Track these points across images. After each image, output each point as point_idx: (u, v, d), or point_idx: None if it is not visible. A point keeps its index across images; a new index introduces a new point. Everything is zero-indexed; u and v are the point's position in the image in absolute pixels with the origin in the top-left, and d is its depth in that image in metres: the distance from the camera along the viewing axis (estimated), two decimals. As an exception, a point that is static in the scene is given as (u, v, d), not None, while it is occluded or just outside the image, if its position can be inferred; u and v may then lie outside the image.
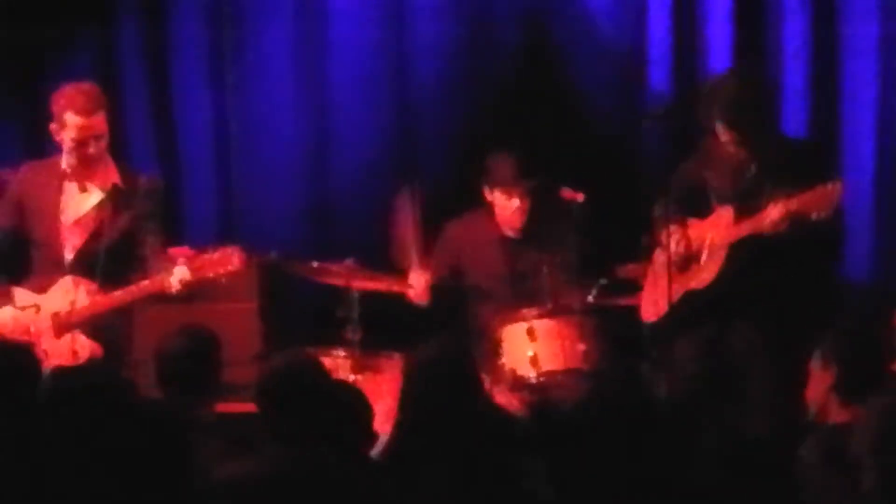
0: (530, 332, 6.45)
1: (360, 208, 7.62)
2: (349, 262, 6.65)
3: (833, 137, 7.31)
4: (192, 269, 5.91)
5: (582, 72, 7.62)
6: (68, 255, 6.04)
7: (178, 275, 5.90)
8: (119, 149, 7.68)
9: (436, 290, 6.74)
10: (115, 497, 3.90)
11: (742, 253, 6.10)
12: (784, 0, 7.35)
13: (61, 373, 5.05)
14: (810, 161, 6.18)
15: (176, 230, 7.62)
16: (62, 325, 5.99)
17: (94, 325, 6.00)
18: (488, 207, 6.82)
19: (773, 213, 5.95)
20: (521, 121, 7.47)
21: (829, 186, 5.86)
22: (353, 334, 6.65)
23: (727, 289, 6.13)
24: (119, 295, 5.96)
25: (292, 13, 7.84)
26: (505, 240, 6.82)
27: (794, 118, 7.26)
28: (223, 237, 7.51)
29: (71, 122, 5.98)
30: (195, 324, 5.55)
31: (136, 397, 4.83)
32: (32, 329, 5.97)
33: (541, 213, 6.76)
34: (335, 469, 4.41)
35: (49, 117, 6.08)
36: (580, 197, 6.62)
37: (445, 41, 7.72)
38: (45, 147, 7.66)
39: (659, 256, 6.37)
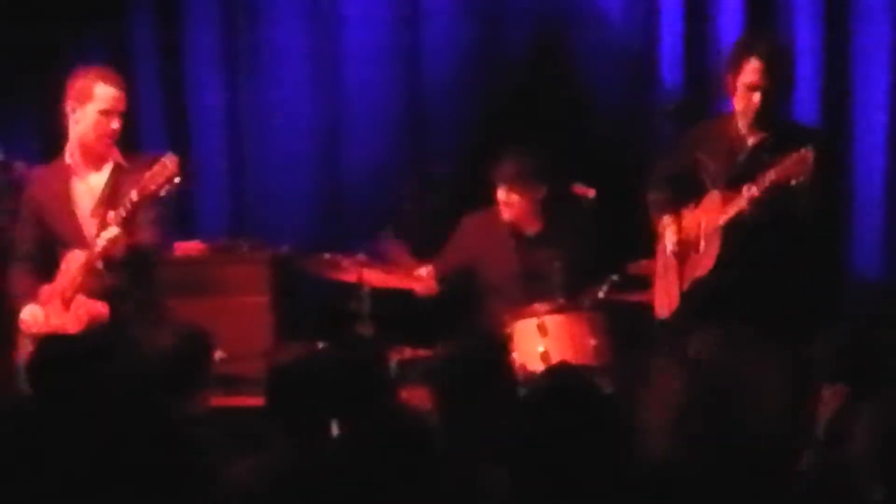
0: (541, 328, 6.44)
1: (372, 203, 7.65)
2: (360, 255, 6.66)
3: (844, 134, 7.33)
4: (138, 191, 5.68)
5: (594, 70, 7.64)
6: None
7: (105, 235, 5.77)
8: (132, 143, 7.80)
9: (446, 284, 6.76)
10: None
11: (735, 234, 6.01)
12: (795, -1, 7.40)
13: (49, 341, 5.00)
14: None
15: (188, 223, 7.67)
16: (65, 297, 5.94)
17: (101, 288, 5.91)
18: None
19: (754, 189, 5.86)
20: (532, 119, 7.48)
21: (803, 151, 5.80)
22: (364, 329, 6.67)
23: (729, 272, 6.08)
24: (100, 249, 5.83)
25: (306, 9, 7.88)
26: (520, 238, 6.81)
27: (806, 114, 7.26)
28: (235, 230, 7.59)
29: (101, 94, 5.94)
30: (188, 324, 5.49)
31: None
32: (47, 312, 5.95)
33: (553, 210, 6.76)
34: (346, 462, 4.41)
35: (62, 98, 5.99)
36: (592, 192, 6.64)
37: (458, 39, 7.75)
38: (58, 145, 7.78)
39: (661, 250, 6.32)
